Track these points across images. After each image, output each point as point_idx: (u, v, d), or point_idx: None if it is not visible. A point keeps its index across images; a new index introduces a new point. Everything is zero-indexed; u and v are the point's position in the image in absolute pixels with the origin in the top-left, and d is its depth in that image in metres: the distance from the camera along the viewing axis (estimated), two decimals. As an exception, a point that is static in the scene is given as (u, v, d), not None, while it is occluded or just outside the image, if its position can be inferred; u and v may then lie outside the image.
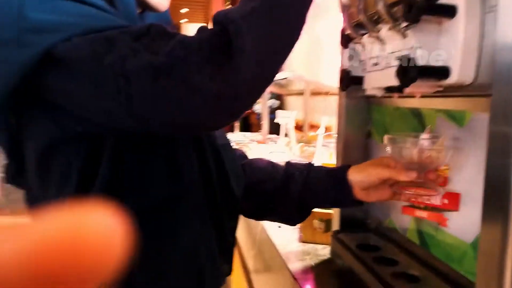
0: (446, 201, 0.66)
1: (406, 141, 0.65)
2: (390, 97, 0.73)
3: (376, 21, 0.66)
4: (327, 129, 1.98)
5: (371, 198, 0.73)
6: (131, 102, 0.49)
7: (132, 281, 0.59)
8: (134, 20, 0.62)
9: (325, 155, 1.85)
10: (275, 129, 3.29)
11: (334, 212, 0.97)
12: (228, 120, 0.59)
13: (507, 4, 0.45)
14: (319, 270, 0.92)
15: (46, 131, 0.58)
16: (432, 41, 0.56)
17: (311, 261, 0.96)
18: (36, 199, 0.63)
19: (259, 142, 3.02)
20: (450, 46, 0.54)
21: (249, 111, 4.76)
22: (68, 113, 0.56)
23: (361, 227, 0.94)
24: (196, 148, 0.65)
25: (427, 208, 0.69)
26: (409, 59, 0.56)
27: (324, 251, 1.01)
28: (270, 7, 0.50)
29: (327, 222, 1.04)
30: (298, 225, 1.15)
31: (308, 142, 2.59)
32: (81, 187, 0.57)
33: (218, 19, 0.50)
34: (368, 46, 0.70)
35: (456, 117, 0.64)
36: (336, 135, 0.96)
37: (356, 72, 0.77)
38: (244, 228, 1.83)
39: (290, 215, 0.81)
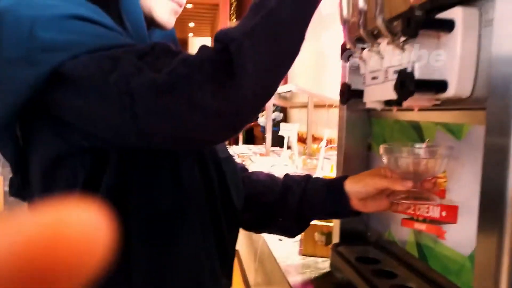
0: (444, 213, 0.66)
1: (401, 150, 0.66)
2: (389, 110, 0.74)
3: (375, 35, 0.67)
4: (329, 141, 1.99)
5: (369, 208, 0.74)
6: (136, 118, 0.50)
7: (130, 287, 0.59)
8: (144, 38, 0.64)
9: (327, 167, 1.85)
10: (279, 141, 3.30)
11: (334, 225, 0.97)
12: (229, 135, 0.61)
13: (502, 18, 0.46)
14: (319, 283, 0.92)
15: (52, 145, 0.59)
16: (430, 55, 0.57)
17: (311, 274, 0.96)
18: None
19: (262, 154, 3.03)
20: (448, 60, 0.55)
21: (253, 123, 4.78)
22: (75, 128, 0.57)
23: (361, 240, 0.94)
24: (198, 161, 0.66)
25: (425, 220, 0.70)
26: (407, 73, 0.57)
27: (324, 264, 1.01)
28: (270, 25, 0.51)
29: (328, 235, 1.04)
30: (299, 238, 1.15)
31: (312, 154, 2.60)
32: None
33: (220, 37, 0.51)
34: (368, 60, 0.71)
35: (454, 130, 0.65)
36: (337, 148, 0.96)
37: (356, 86, 0.78)
38: (245, 242, 1.83)
39: (289, 227, 0.81)
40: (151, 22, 0.68)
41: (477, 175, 0.49)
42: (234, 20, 7.06)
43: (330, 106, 2.65)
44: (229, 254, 0.74)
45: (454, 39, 0.54)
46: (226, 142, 0.79)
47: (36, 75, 0.52)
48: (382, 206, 0.72)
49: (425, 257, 0.73)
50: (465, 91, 0.55)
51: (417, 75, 0.57)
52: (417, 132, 0.75)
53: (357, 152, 0.93)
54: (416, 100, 0.59)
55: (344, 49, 0.79)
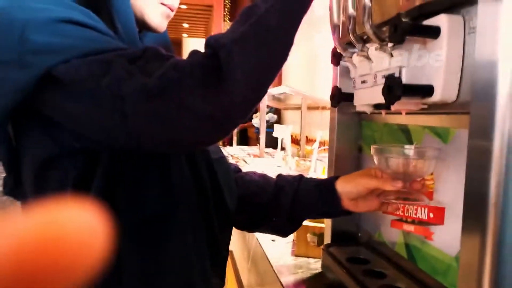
0: (431, 215, 0.67)
1: (391, 151, 0.67)
2: (379, 113, 0.76)
3: (364, 40, 0.69)
4: (322, 143, 2.00)
5: (360, 208, 0.75)
6: (126, 121, 0.51)
7: (120, 286, 0.60)
8: (135, 41, 0.65)
9: (320, 169, 1.86)
10: (272, 143, 3.31)
11: (326, 226, 0.98)
12: (218, 137, 0.62)
13: (484, 25, 0.47)
14: (310, 283, 0.93)
15: (44, 145, 0.60)
16: (417, 61, 0.59)
17: (303, 275, 0.97)
18: None
19: (256, 156, 3.04)
20: (434, 66, 0.57)
21: (247, 124, 4.79)
22: (66, 130, 0.58)
23: (352, 241, 0.95)
24: (188, 162, 0.67)
25: (414, 222, 0.71)
26: (394, 78, 0.58)
27: (316, 265, 1.02)
28: (259, 32, 0.53)
29: (320, 236, 1.06)
30: (292, 239, 1.16)
31: (305, 156, 2.61)
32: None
33: (210, 43, 0.53)
34: (358, 65, 0.73)
35: (441, 134, 0.66)
36: (328, 149, 0.98)
37: (347, 89, 0.79)
38: (239, 242, 1.84)
39: (282, 227, 0.82)
40: (143, 25, 0.69)
41: (463, 178, 0.51)
42: (228, 21, 7.07)
43: (324, 108, 2.67)
44: (221, 254, 0.75)
45: (440, 45, 0.55)
46: (220, 143, 0.80)
47: (27, 77, 0.53)
48: (373, 206, 0.74)
49: (414, 258, 0.74)
50: (451, 96, 0.56)
51: (404, 80, 0.59)
52: (405, 135, 0.77)
53: (348, 153, 0.94)
54: (403, 104, 0.61)
55: (334, 53, 0.80)
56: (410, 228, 0.72)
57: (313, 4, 0.57)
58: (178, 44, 9.66)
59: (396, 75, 0.59)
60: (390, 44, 0.60)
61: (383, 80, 0.59)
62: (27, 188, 0.63)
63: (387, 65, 0.62)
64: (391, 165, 0.67)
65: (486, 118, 0.46)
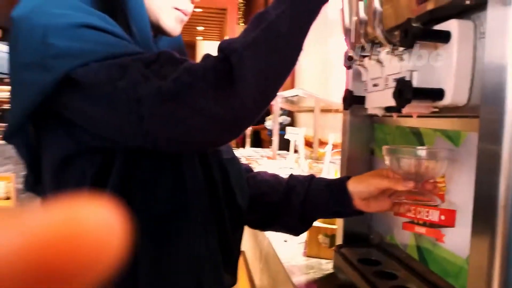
0: (443, 217, 0.68)
1: (403, 151, 0.68)
2: (390, 116, 0.76)
3: (376, 44, 0.70)
4: (335, 146, 2.01)
5: (371, 208, 0.76)
6: (142, 123, 0.54)
7: (136, 283, 0.62)
8: (150, 45, 0.67)
9: (332, 171, 1.87)
10: (285, 145, 3.32)
11: (338, 228, 0.99)
12: (230, 138, 0.65)
13: (494, 30, 0.48)
14: (322, 284, 0.94)
15: (62, 145, 0.63)
16: (427, 65, 0.59)
17: (315, 275, 0.98)
18: None
19: (269, 158, 3.05)
20: (444, 70, 0.57)
21: (260, 126, 4.81)
22: (84, 130, 0.61)
23: (364, 242, 0.96)
24: (201, 162, 0.69)
25: (425, 224, 0.72)
26: (405, 81, 0.59)
27: (328, 266, 1.03)
28: (269, 38, 0.55)
29: (332, 237, 1.06)
30: (303, 240, 1.17)
31: (318, 158, 2.61)
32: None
33: (223, 47, 0.56)
34: (369, 68, 0.73)
35: (452, 137, 0.67)
36: (341, 152, 0.99)
37: (359, 92, 0.80)
38: (251, 243, 1.85)
39: (294, 226, 0.83)
40: (158, 30, 0.71)
41: (473, 180, 0.51)
42: (242, 24, 7.11)
43: (337, 110, 2.67)
44: (233, 253, 0.76)
45: (450, 50, 0.56)
46: (233, 145, 0.82)
47: (48, 80, 0.55)
48: (384, 206, 0.74)
49: (425, 260, 0.75)
50: (462, 100, 0.57)
51: (415, 83, 0.59)
52: (417, 138, 0.77)
53: (360, 156, 0.95)
54: (414, 107, 0.62)
55: (346, 56, 0.81)
56: (421, 230, 0.72)
57: (326, 7, 0.58)
58: (193, 47, 9.74)
59: (407, 78, 0.60)
60: (401, 48, 0.61)
61: (394, 84, 0.60)
62: (46, 185, 0.66)
63: (398, 68, 0.63)
64: (403, 165, 0.67)
65: (496, 122, 0.47)
